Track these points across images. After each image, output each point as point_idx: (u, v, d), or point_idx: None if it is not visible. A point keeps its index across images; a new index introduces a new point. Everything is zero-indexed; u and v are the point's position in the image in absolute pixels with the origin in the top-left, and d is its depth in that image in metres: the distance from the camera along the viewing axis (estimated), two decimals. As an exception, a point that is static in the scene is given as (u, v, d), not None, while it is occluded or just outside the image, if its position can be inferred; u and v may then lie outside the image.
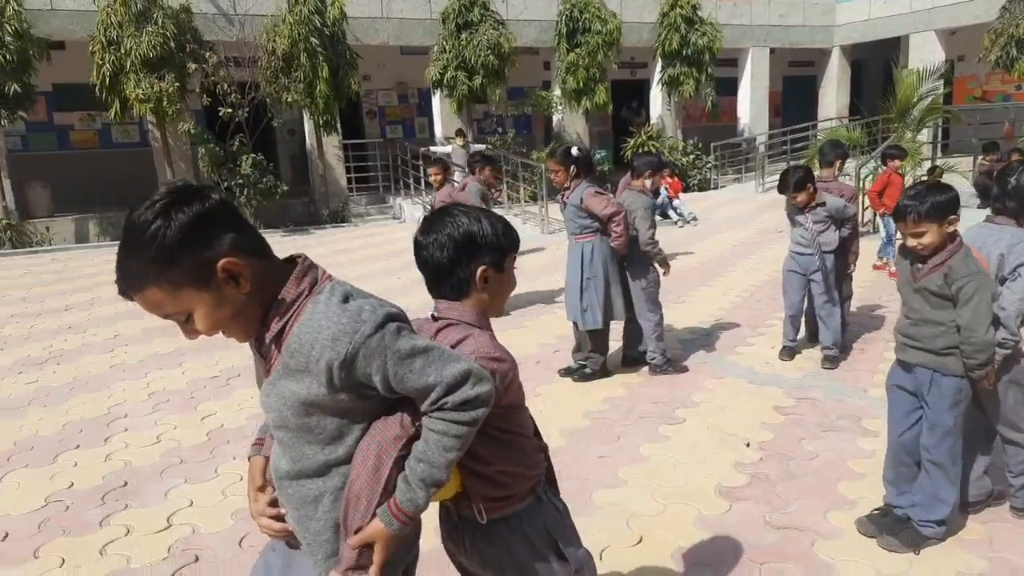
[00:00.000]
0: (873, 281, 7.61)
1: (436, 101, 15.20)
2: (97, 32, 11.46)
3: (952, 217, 2.63)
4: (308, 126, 13.98)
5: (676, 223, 11.96)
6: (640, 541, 3.02)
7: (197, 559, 3.05)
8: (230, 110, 12.27)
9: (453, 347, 1.52)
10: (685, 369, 5.11)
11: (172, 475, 3.83)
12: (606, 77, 15.22)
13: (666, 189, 11.63)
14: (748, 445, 3.85)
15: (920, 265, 2.74)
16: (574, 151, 4.90)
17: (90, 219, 12.64)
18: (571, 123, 16.17)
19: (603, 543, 3.01)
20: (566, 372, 5.09)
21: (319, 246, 11.74)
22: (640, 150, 15.05)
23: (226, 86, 12.19)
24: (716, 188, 16.62)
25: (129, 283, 1.26)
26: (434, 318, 1.66)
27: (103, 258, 11.05)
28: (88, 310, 7.73)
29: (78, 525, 3.36)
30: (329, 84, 12.42)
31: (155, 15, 11.45)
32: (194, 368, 5.62)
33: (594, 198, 4.72)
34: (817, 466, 3.61)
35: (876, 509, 3.04)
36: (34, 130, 13.96)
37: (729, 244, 10.25)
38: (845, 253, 5.15)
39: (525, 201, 13.17)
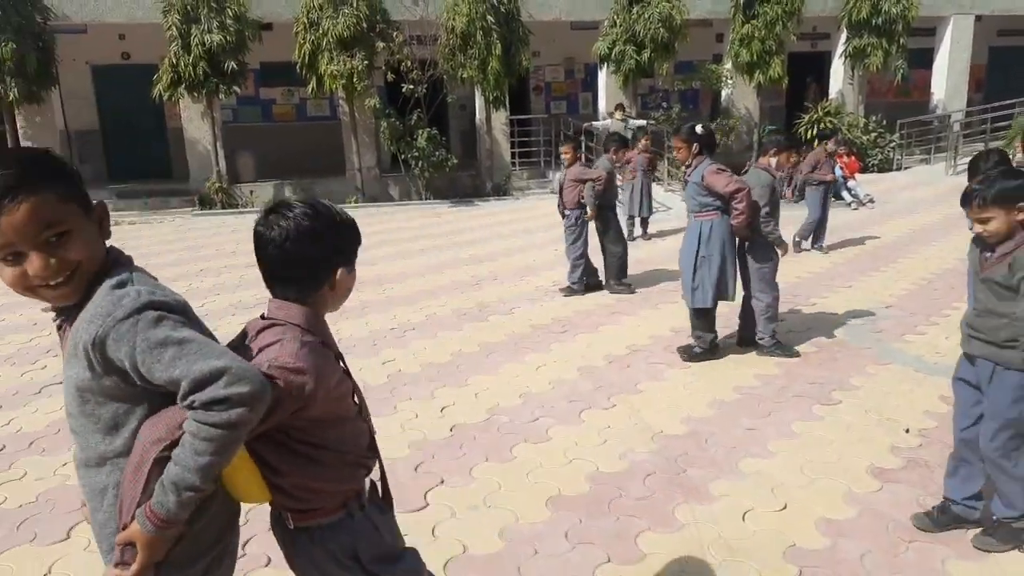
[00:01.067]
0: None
1: (602, 76, 15.27)
2: (301, 14, 12.68)
3: (1022, 204, 2.51)
4: (479, 102, 14.61)
5: (850, 205, 11.29)
6: (784, 507, 3.13)
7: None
8: (411, 86, 13.12)
9: (260, 351, 1.49)
10: (797, 354, 5.00)
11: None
12: (783, 49, 14.50)
13: (841, 168, 10.99)
14: (908, 431, 3.77)
15: (988, 254, 2.64)
16: (698, 128, 4.92)
17: (287, 184, 14.10)
18: (741, 98, 15.61)
19: (746, 507, 3.15)
20: (683, 350, 5.09)
21: (483, 216, 12.35)
22: (816, 127, 14.28)
23: (408, 63, 13.04)
24: (899, 169, 15.38)
25: (27, 181, 1.26)
26: (262, 317, 1.58)
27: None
28: (286, 264, 8.75)
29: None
30: (501, 61, 12.92)
31: (350, -2, 12.47)
32: (376, 320, 6.28)
33: (716, 175, 4.74)
34: (984, 460, 3.49)
35: (934, 506, 2.95)
36: (243, 103, 15.71)
37: (908, 229, 9.58)
38: None
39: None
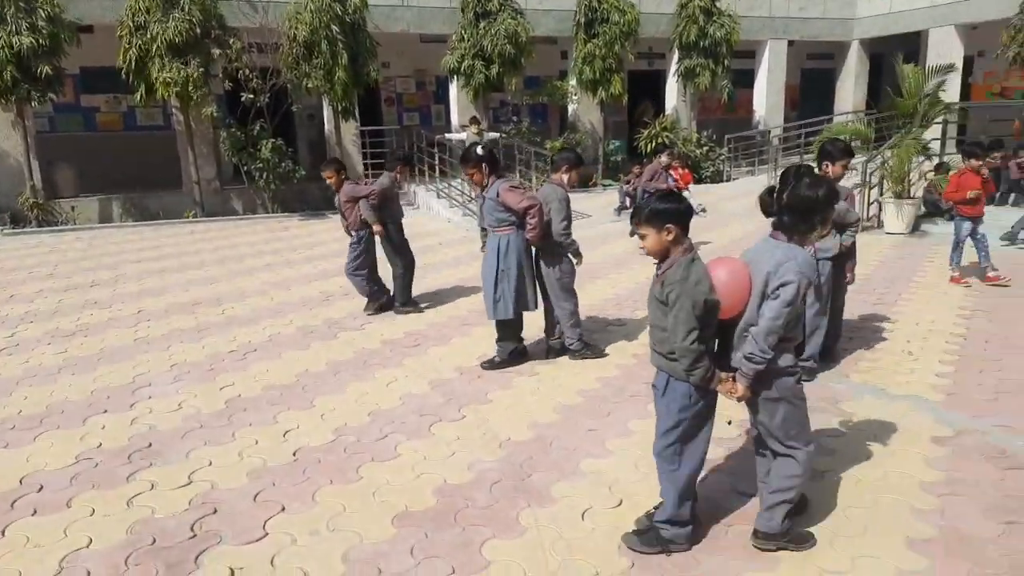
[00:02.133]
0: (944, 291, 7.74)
1: (453, 89, 15.40)
2: (125, 17, 11.79)
3: (669, 226, 2.70)
4: (327, 112, 14.26)
5: (685, 214, 12.09)
6: (620, 503, 3.28)
7: (215, 511, 3.34)
8: (251, 95, 12.57)
9: None
10: (605, 354, 5.37)
11: (193, 438, 4.13)
12: (623, 68, 15.33)
13: (675, 180, 11.77)
14: (729, 423, 4.07)
15: (657, 272, 2.83)
16: (479, 151, 5.18)
17: (114, 199, 13.02)
18: (586, 112, 16.31)
19: (585, 506, 3.27)
20: (487, 362, 5.24)
21: (334, 229, 12.01)
22: (654, 141, 15.20)
23: (248, 72, 12.49)
24: (729, 180, 16.71)
25: None
26: None
27: (126, 237, 11.43)
28: (112, 287, 8.08)
29: (106, 480, 3.67)
30: (348, 71, 12.68)
31: (182, 2, 11.75)
32: (214, 343, 5.92)
33: (509, 192, 5.03)
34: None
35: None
36: (62, 111, 14.36)
37: (736, 236, 10.41)
38: (844, 261, 4.84)
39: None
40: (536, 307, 5.27)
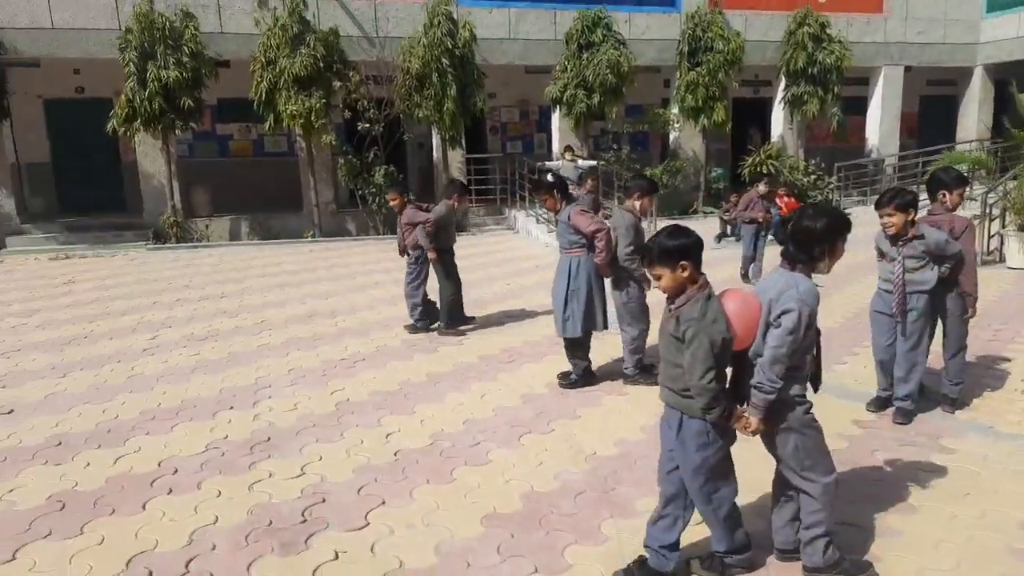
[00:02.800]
0: None
1: (555, 118, 15.79)
2: (258, 53, 12.92)
3: (683, 263, 2.69)
4: (436, 140, 14.95)
5: (789, 243, 11.85)
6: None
7: (324, 500, 3.69)
8: (367, 125, 13.41)
9: None
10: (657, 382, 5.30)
11: (306, 435, 4.54)
12: (726, 95, 15.25)
13: (777, 209, 11.56)
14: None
15: (670, 309, 2.81)
16: (549, 178, 5.46)
17: (242, 219, 14.15)
18: (687, 140, 16.28)
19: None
20: (562, 377, 5.43)
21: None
22: (758, 169, 14.95)
23: (365, 103, 13.35)
24: (838, 210, 16.13)
25: None
26: None
27: (251, 254, 12.40)
28: (239, 298, 8.83)
29: (231, 467, 4.10)
30: (456, 102, 13.32)
31: (308, 38, 12.76)
32: (327, 351, 6.41)
33: (579, 216, 5.22)
34: (893, 476, 3.79)
35: (631, 563, 3.03)
36: (200, 139, 15.78)
37: (843, 266, 10.10)
38: (956, 294, 4.54)
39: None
40: (606, 327, 5.43)
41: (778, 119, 17.09)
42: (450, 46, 13.20)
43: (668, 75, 16.71)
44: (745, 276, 9.25)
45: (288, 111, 12.71)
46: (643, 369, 5.40)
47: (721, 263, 10.14)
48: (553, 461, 4.10)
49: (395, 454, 4.23)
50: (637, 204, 5.31)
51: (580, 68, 14.24)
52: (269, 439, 4.49)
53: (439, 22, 13.25)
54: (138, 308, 8.27)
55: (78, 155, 15.08)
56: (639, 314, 5.34)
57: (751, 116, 17.73)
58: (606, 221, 5.30)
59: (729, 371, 2.87)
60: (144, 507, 3.67)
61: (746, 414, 2.78)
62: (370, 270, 10.76)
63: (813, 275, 2.81)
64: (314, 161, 14.08)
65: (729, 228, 12.20)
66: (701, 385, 2.67)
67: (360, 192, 13.95)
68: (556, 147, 15.98)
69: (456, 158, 15.05)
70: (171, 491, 3.84)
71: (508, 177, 15.36)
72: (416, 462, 4.11)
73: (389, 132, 13.91)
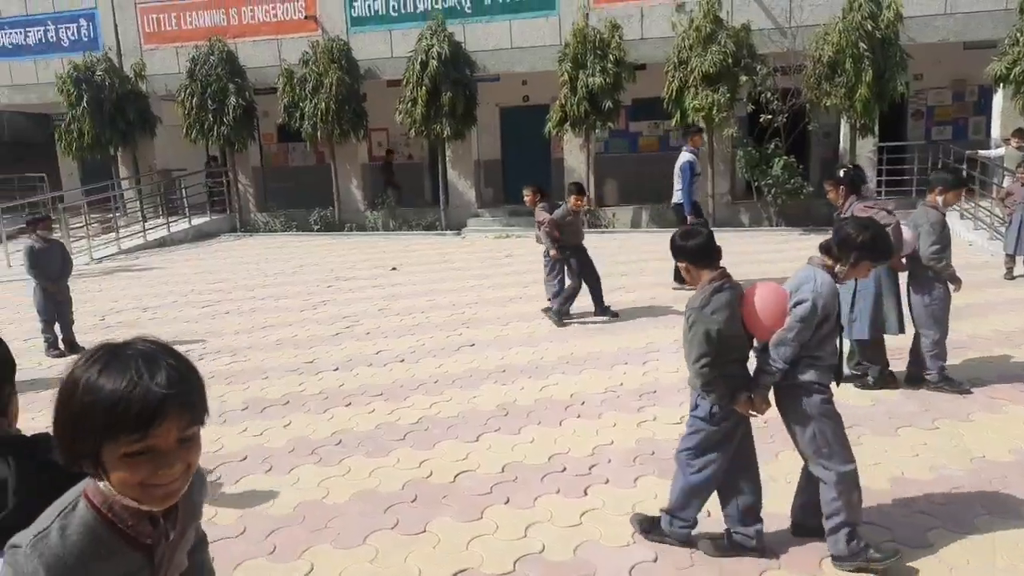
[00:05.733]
0: None
1: (997, 99, 13.63)
2: (672, 54, 13.94)
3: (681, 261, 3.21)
4: (844, 129, 14.23)
5: None
6: None
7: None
8: (770, 116, 13.46)
9: None
10: (968, 391, 4.83)
11: (687, 392, 5.22)
12: None
13: None
14: None
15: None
16: (840, 172, 5.19)
17: (643, 209, 15.48)
18: None
19: None
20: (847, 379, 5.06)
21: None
22: None
23: (769, 94, 13.41)
24: None
25: None
26: None
27: (644, 240, 13.55)
28: (637, 276, 9.92)
29: (624, 407, 5.00)
30: (871, 87, 12.51)
31: (719, 36, 13.33)
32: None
33: (862, 213, 4.71)
34: None
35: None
36: (614, 136, 17.59)
37: None
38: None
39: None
40: (902, 331, 5.06)
41: None
42: (870, 28, 12.43)
43: None
44: None
45: (692, 106, 13.48)
46: (946, 378, 5.01)
47: None
48: (930, 454, 4.07)
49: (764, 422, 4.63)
50: (940, 199, 5.01)
51: (1037, 38, 12.06)
52: (655, 391, 5.30)
53: (859, 5, 12.58)
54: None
55: (520, 153, 18.16)
56: (941, 317, 5.00)
57: None
58: (891, 217, 4.87)
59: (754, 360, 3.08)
60: (561, 423, 4.77)
61: (752, 394, 3.00)
62: (757, 259, 10.95)
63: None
64: (714, 153, 14.64)
65: None
66: (694, 369, 2.99)
67: (756, 183, 14.08)
68: (996, 132, 13.80)
69: (866, 147, 14.10)
70: (579, 416, 4.89)
71: (928, 167, 13.81)
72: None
73: (792, 123, 13.72)
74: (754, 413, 3.05)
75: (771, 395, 3.06)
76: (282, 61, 16.12)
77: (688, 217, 9.14)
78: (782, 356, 2.94)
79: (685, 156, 9.39)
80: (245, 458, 4.43)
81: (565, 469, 4.11)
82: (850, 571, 2.99)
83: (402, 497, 3.84)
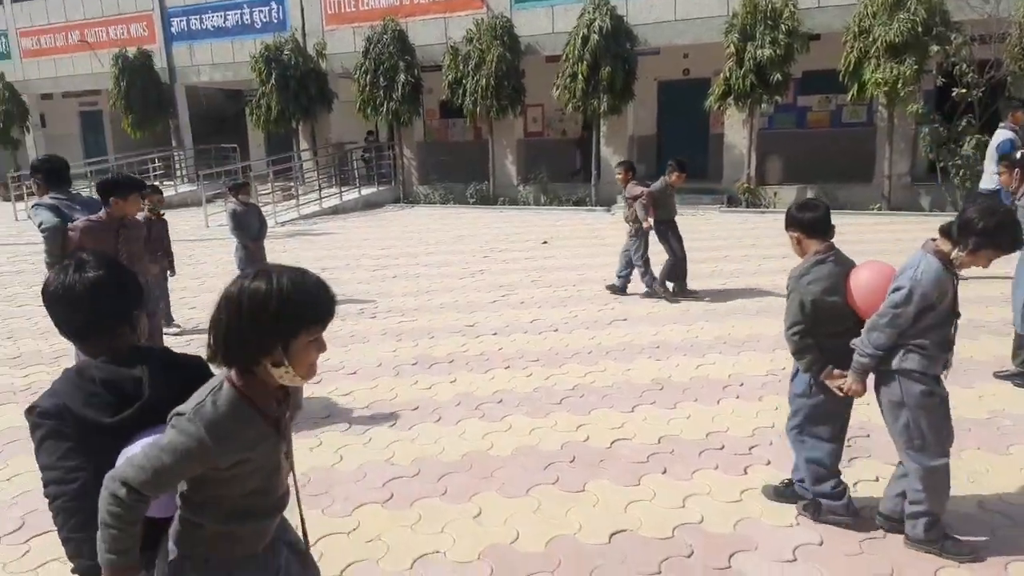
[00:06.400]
0: None
1: None
2: (852, 23, 12.96)
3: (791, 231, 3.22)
4: (1053, 104, 12.60)
5: None
6: None
7: (868, 435, 4.15)
8: (964, 90, 12.20)
9: None
10: None
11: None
12: None
13: None
14: None
15: None
16: (1018, 155, 4.88)
17: (808, 188, 14.63)
18: None
19: None
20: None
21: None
22: None
23: (965, 66, 12.14)
24: None
25: None
26: None
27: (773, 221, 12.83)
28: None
29: (746, 395, 4.86)
30: (1093, 57, 10.99)
31: (908, 2, 12.22)
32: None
33: None
34: None
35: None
36: (780, 111, 16.68)
37: None
38: None
39: None
40: None
41: None
42: (1095, -11, 10.90)
43: None
44: None
45: (873, 79, 12.50)
46: None
47: None
48: None
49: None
50: None
51: None
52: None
53: (1083, -38, 11.06)
54: (712, 259, 9.68)
55: (677, 128, 17.73)
56: None
57: None
58: None
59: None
60: (719, 402, 4.75)
61: (846, 374, 2.93)
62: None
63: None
64: (894, 131, 13.52)
65: None
66: (787, 335, 3.09)
67: (942, 164, 12.86)
68: None
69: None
70: (738, 397, 4.84)
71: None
72: (968, 430, 4.18)
73: (990, 97, 12.35)
74: (843, 391, 2.99)
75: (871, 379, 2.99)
76: (448, 39, 16.73)
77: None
78: (873, 342, 2.86)
79: (1004, 134, 7.97)
80: (416, 408, 4.81)
81: (724, 447, 4.11)
82: (922, 552, 2.97)
83: (561, 456, 4.03)
